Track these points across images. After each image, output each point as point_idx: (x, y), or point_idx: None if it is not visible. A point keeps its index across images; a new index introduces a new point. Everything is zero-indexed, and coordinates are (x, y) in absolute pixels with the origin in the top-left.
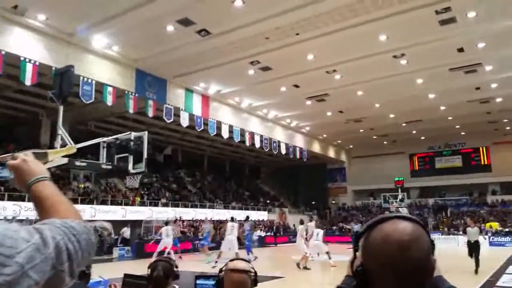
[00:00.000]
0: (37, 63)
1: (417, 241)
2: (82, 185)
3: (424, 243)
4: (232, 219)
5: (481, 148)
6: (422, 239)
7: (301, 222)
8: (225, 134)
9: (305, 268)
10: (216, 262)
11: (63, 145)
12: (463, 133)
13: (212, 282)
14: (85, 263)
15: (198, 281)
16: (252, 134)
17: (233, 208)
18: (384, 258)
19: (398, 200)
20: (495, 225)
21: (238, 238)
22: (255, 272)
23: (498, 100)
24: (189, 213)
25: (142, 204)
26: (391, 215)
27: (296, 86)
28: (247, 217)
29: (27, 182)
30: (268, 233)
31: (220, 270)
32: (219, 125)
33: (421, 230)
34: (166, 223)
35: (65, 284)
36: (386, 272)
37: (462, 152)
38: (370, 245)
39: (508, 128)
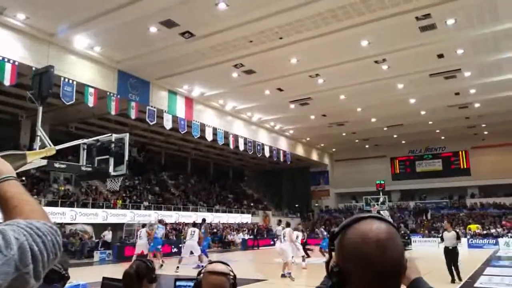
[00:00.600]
0: (16, 63)
1: (392, 240)
2: (62, 188)
3: (399, 243)
4: (194, 224)
5: (460, 152)
6: (397, 239)
7: (288, 225)
8: (208, 136)
9: (290, 276)
10: (178, 267)
11: (42, 146)
12: (443, 138)
13: (191, 284)
14: (51, 264)
15: (177, 284)
16: (236, 137)
17: (217, 211)
18: (362, 257)
19: (379, 203)
20: (474, 227)
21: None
22: (234, 275)
23: (477, 105)
24: (171, 216)
25: (124, 207)
26: (366, 215)
27: (280, 89)
28: (204, 220)
29: None
30: (251, 236)
31: (199, 273)
32: (202, 127)
33: (394, 230)
34: (143, 225)
35: (30, 287)
36: (364, 271)
37: (442, 156)
38: (347, 245)
39: (486, 133)
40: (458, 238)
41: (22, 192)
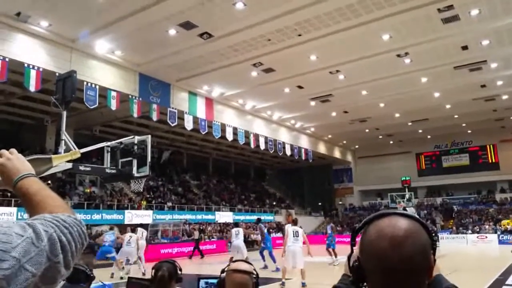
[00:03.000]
0: (40, 69)
1: (411, 238)
2: (88, 190)
3: (419, 241)
4: (236, 224)
5: (488, 146)
6: (417, 236)
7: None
8: (229, 136)
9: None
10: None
11: (67, 150)
12: (469, 131)
13: (215, 282)
14: (79, 254)
15: (201, 281)
16: (256, 136)
17: (239, 210)
18: (375, 253)
19: (405, 199)
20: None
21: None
22: (257, 274)
23: (504, 97)
24: (195, 216)
25: (149, 208)
26: (390, 211)
27: (300, 87)
28: (259, 220)
29: (13, 180)
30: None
31: (222, 271)
32: (223, 127)
33: (418, 227)
34: (133, 230)
35: (61, 275)
36: (377, 268)
37: (469, 150)
38: (364, 240)
39: None
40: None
41: (43, 187)
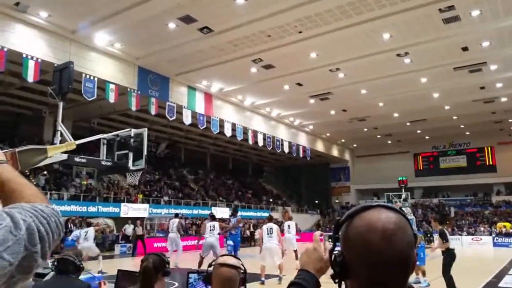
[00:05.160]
0: (39, 60)
1: (401, 231)
2: (85, 182)
3: (408, 234)
4: (212, 217)
5: (486, 148)
6: (406, 230)
7: (270, 219)
8: (228, 132)
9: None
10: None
11: (63, 141)
12: (467, 133)
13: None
14: (55, 244)
15: (190, 276)
16: (255, 132)
17: (236, 206)
18: (365, 247)
19: (401, 199)
20: (509, 225)
21: None
22: (245, 269)
23: (503, 99)
24: (191, 211)
25: (146, 201)
26: (374, 203)
27: (299, 84)
28: (235, 210)
29: None
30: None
31: (209, 265)
32: (222, 123)
33: (404, 221)
34: (89, 224)
35: (37, 265)
36: (366, 262)
37: (466, 152)
38: (351, 234)
39: None
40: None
41: (18, 175)
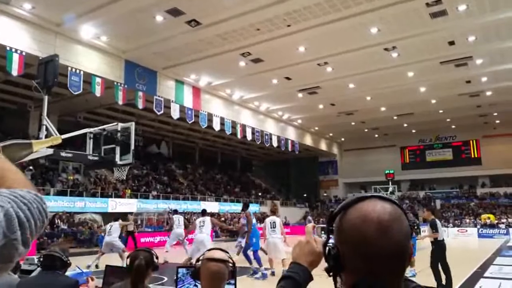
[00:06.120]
0: (23, 53)
1: (397, 222)
2: (71, 177)
3: (404, 225)
4: (204, 213)
5: (471, 141)
6: (402, 220)
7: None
8: (216, 126)
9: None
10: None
11: (48, 135)
12: (453, 127)
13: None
14: (39, 232)
15: (180, 271)
16: (243, 127)
17: (225, 200)
18: (360, 239)
19: (388, 192)
20: (493, 217)
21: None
22: (234, 262)
23: (488, 93)
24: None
25: (133, 196)
26: (369, 194)
27: (288, 78)
28: (246, 205)
29: None
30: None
31: (197, 260)
32: (210, 117)
33: (400, 212)
34: (115, 219)
35: (18, 253)
36: (361, 255)
37: (452, 145)
38: (346, 226)
39: (498, 121)
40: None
41: (3, 160)
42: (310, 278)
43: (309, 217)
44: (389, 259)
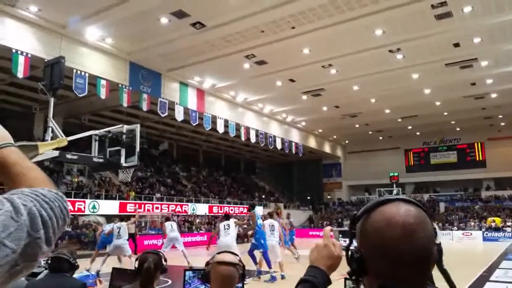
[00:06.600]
0: (29, 55)
1: (421, 225)
2: (76, 179)
3: (428, 228)
4: (226, 216)
5: (476, 144)
6: (427, 223)
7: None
8: (220, 128)
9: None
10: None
11: (54, 137)
12: (458, 129)
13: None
14: (61, 230)
15: (187, 274)
16: (247, 129)
17: (228, 203)
18: (385, 242)
19: (393, 195)
20: (498, 220)
21: None
22: (243, 265)
23: (493, 95)
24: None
25: (137, 198)
26: (393, 197)
27: (292, 80)
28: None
29: None
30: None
31: (207, 263)
32: (214, 119)
33: (424, 215)
34: (121, 219)
35: (42, 252)
36: (385, 259)
37: (457, 148)
38: (369, 229)
39: (503, 124)
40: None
41: (23, 158)
42: (329, 282)
43: (291, 220)
44: (414, 263)
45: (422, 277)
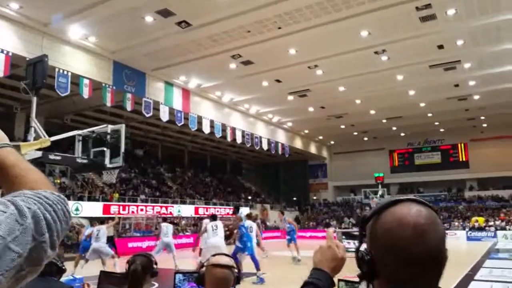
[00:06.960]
0: (10, 54)
1: (433, 225)
2: (58, 181)
3: (440, 229)
4: (213, 217)
5: (459, 145)
6: (437, 224)
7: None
8: (206, 129)
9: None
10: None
11: (37, 138)
12: (442, 130)
13: (192, 278)
14: (64, 234)
15: (177, 277)
16: (233, 129)
17: (214, 204)
18: (396, 243)
19: (378, 196)
20: (481, 220)
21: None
22: (239, 268)
23: (476, 97)
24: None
25: (121, 200)
26: (403, 197)
27: (278, 81)
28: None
29: None
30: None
31: (202, 266)
32: (200, 120)
33: (435, 215)
34: (101, 222)
35: (47, 256)
36: (397, 260)
37: (441, 149)
38: (380, 230)
39: (485, 125)
40: None
41: (21, 159)
42: (332, 284)
43: (258, 221)
44: (426, 264)
45: (434, 278)
